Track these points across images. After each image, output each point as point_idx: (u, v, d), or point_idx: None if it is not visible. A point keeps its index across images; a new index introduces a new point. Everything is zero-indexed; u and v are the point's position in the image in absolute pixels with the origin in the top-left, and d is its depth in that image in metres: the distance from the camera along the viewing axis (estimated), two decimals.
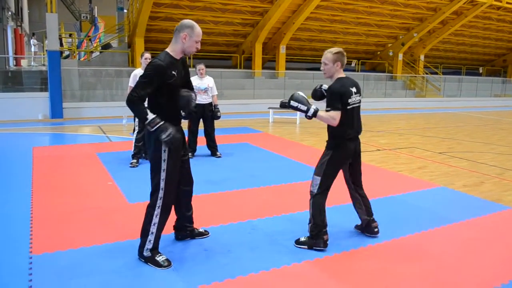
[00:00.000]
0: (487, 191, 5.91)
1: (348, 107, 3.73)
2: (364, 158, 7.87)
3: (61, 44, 18.68)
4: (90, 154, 7.64)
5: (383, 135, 10.97)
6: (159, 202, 3.38)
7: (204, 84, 7.38)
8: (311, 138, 10.09)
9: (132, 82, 6.84)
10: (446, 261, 3.64)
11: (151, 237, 3.41)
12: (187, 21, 3.38)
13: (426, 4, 19.21)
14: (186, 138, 3.52)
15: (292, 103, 3.73)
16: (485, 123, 14.65)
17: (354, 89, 3.80)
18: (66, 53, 20.35)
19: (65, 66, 13.70)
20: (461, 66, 26.28)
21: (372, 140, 9.89)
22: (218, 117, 7.52)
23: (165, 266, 3.36)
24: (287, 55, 18.86)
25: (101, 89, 14.83)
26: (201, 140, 7.59)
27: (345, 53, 3.86)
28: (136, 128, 6.83)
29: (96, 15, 26.70)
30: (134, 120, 6.91)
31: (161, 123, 3.23)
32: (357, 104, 3.85)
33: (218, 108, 7.50)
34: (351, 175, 4.07)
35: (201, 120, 7.51)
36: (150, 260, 3.41)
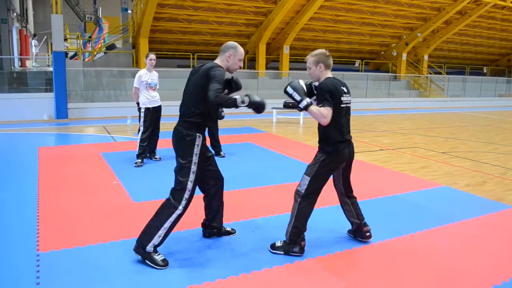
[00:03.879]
0: (490, 190, 5.93)
1: (342, 106, 3.57)
2: (367, 157, 7.95)
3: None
4: (95, 154, 7.71)
5: (386, 134, 10.99)
6: (184, 202, 3.45)
7: None
8: (314, 138, 10.07)
9: (136, 83, 6.90)
10: (448, 259, 3.67)
11: (162, 232, 3.42)
12: (231, 43, 3.66)
13: (430, 4, 19.21)
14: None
15: (288, 89, 3.53)
16: (489, 123, 14.64)
17: (344, 89, 3.63)
18: (71, 53, 20.46)
19: (70, 66, 13.79)
20: (465, 66, 26.24)
21: (375, 140, 9.91)
22: (222, 117, 7.55)
23: (162, 266, 3.37)
24: (291, 55, 18.90)
25: (105, 89, 14.92)
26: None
27: (328, 53, 3.67)
28: (141, 128, 6.90)
29: (100, 16, 26.83)
30: (139, 120, 6.98)
31: (249, 97, 3.41)
32: (349, 105, 3.68)
33: (222, 108, 7.54)
34: (343, 181, 3.89)
35: None
36: (149, 257, 3.41)
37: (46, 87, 14.01)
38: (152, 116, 6.94)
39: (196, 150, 3.50)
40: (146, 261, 3.41)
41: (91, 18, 28.18)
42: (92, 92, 14.55)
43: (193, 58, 17.47)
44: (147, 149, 7.01)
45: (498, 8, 20.85)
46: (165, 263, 3.40)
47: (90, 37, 22.76)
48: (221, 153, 7.65)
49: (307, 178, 3.61)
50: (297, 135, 10.62)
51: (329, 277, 3.32)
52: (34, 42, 25.19)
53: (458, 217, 4.71)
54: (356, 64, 21.46)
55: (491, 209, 5.07)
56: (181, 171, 3.50)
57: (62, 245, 3.75)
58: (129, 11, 21.96)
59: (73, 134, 10.61)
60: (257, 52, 18.14)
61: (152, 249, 3.43)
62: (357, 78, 20.29)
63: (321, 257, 3.65)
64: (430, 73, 23.30)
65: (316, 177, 3.60)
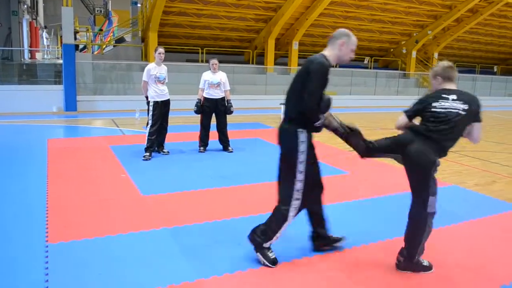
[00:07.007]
0: (499, 190, 5.89)
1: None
2: None
3: (75, 38, 18.84)
4: (104, 146, 7.74)
5: (395, 132, 10.91)
6: (296, 203, 3.40)
7: (216, 79, 7.42)
8: (322, 134, 10.02)
9: (145, 76, 6.91)
10: (455, 259, 3.66)
11: (278, 235, 3.40)
12: (343, 30, 3.45)
13: (441, 1, 19.06)
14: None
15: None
16: (499, 123, 14.52)
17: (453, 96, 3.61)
18: (80, 46, 20.54)
19: (79, 59, 13.84)
20: (475, 64, 26.02)
21: None
22: (231, 112, 7.57)
23: (271, 263, 3.36)
24: (300, 51, 18.82)
25: (114, 82, 14.96)
26: (213, 135, 7.65)
27: (449, 65, 3.59)
28: (150, 121, 6.91)
29: (110, 9, 26.87)
30: (148, 114, 6.99)
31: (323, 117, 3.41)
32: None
33: (231, 103, 7.55)
34: None
35: (213, 114, 7.56)
36: (264, 252, 3.41)
37: (56, 79, 14.09)
38: (161, 109, 6.96)
39: (303, 147, 3.40)
40: (258, 253, 3.42)
41: (100, 11, 28.20)
42: (101, 85, 14.60)
43: (202, 53, 17.45)
44: (155, 142, 7.03)
45: (510, 6, 20.62)
46: (274, 262, 3.39)
47: (100, 30, 22.82)
48: (229, 148, 7.65)
49: (433, 199, 3.43)
50: None
51: (337, 274, 3.32)
52: (45, 34, 25.32)
53: (466, 217, 4.68)
54: (365, 61, 21.35)
55: (500, 209, 5.03)
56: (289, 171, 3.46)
57: (71, 236, 3.77)
58: (139, 5, 21.96)
59: (82, 126, 10.67)
60: (266, 47, 18.10)
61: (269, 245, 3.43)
62: (366, 75, 20.20)
63: (330, 253, 3.64)
64: None
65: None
